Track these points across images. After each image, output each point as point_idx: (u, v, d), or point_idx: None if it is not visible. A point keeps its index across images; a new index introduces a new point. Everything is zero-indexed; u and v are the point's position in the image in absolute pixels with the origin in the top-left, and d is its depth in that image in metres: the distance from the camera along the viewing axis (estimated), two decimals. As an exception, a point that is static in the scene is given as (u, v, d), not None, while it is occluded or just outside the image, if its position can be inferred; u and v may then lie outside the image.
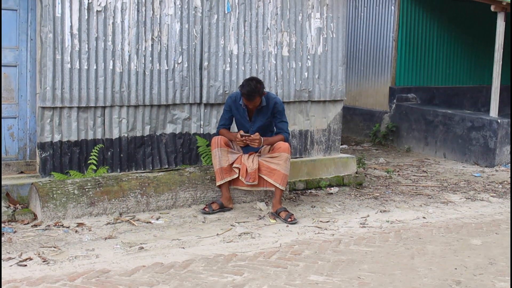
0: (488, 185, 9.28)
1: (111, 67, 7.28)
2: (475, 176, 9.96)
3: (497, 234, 6.72)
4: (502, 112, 12.78)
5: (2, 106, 7.03)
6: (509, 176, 9.98)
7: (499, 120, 10.72)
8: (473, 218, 7.38)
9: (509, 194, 8.70)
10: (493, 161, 10.69)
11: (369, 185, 8.91)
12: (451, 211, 7.69)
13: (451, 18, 13.30)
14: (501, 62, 10.76)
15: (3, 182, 6.82)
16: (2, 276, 4.94)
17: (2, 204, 6.68)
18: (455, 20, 13.32)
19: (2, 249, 5.57)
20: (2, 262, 5.28)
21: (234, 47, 8.02)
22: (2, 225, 6.25)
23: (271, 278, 5.16)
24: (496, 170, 10.43)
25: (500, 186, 9.24)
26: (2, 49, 6.93)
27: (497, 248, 6.23)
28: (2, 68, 6.98)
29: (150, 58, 7.50)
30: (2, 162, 7.09)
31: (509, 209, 7.88)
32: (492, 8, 10.62)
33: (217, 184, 7.22)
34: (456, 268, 5.58)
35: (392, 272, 5.41)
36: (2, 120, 7.06)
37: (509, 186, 9.22)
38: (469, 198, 8.39)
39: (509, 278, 5.36)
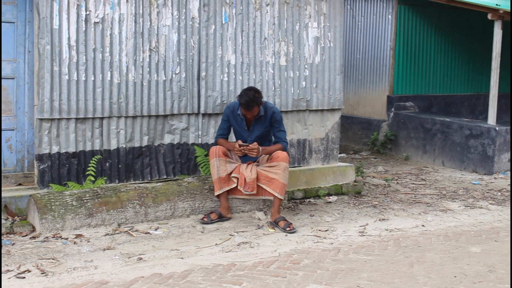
0: (487, 192, 9.28)
1: (109, 78, 7.28)
2: (473, 183, 9.96)
3: (496, 242, 6.72)
4: (500, 119, 12.77)
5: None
6: (508, 183, 9.97)
7: (497, 128, 10.72)
8: (472, 226, 7.37)
9: (508, 202, 8.70)
10: (492, 169, 10.69)
11: (367, 194, 8.90)
12: (450, 219, 7.68)
13: (449, 26, 13.33)
14: (498, 70, 10.78)
15: (1, 195, 6.81)
16: (0, 288, 4.94)
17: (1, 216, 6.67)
18: (453, 28, 13.35)
19: (1, 262, 5.56)
20: (1, 274, 5.27)
21: (232, 57, 8.03)
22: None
23: (270, 287, 5.16)
24: (495, 178, 10.42)
25: (499, 193, 9.23)
26: (1, 61, 6.94)
27: (496, 255, 6.22)
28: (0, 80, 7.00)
29: (148, 69, 7.51)
30: (0, 174, 7.08)
31: (508, 217, 7.87)
32: (489, 16, 10.64)
33: (216, 194, 7.21)
34: (455, 276, 5.57)
35: (392, 281, 5.40)
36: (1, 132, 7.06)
37: (508, 193, 9.22)
38: (468, 206, 8.38)
39: (509, 286, 5.36)
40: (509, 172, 10.80)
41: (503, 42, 10.92)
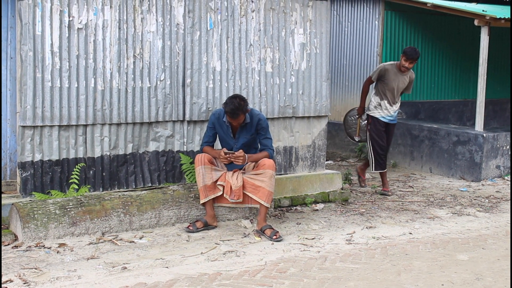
0: (475, 199, 9.26)
1: (92, 85, 7.21)
2: (461, 190, 9.94)
3: (484, 249, 6.70)
4: (488, 126, 12.80)
5: (-18, 125, 6.96)
6: (495, 190, 9.97)
7: (484, 134, 10.72)
8: (459, 233, 7.35)
9: (496, 209, 8.69)
10: (479, 176, 10.68)
11: (355, 201, 8.86)
12: (438, 227, 7.65)
13: (435, 32, 13.35)
14: (485, 76, 10.78)
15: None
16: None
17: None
18: (440, 34, 13.37)
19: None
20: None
21: (217, 64, 7.98)
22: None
23: (256, 297, 5.11)
24: (483, 185, 10.41)
25: (487, 200, 9.21)
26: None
27: (484, 263, 6.20)
28: (-18, 87, 6.92)
29: (132, 76, 7.45)
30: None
31: (495, 224, 7.86)
32: (476, 22, 10.65)
33: (201, 202, 7.16)
34: (443, 284, 5.55)
35: (379, 290, 5.36)
36: (-18, 139, 6.98)
37: (496, 200, 9.21)
38: (455, 213, 8.36)
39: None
40: (510, 176, 10.90)
41: (489, 48, 10.92)
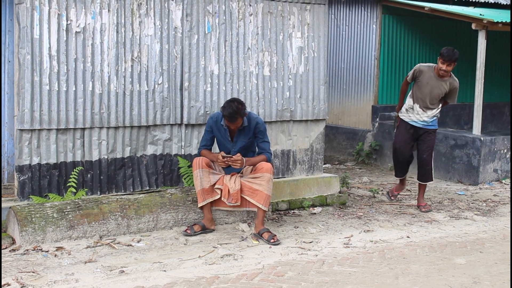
0: (472, 203, 9.27)
1: (90, 88, 7.21)
2: (459, 194, 9.95)
3: (481, 253, 6.70)
4: (485, 129, 12.81)
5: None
6: (493, 194, 9.99)
7: (482, 138, 10.73)
8: (457, 237, 7.36)
9: (494, 213, 8.70)
10: (477, 179, 10.69)
11: (352, 205, 8.87)
12: (435, 230, 7.66)
13: (433, 36, 13.36)
14: (483, 80, 10.81)
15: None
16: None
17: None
18: (437, 38, 13.38)
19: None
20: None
21: (215, 67, 7.98)
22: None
23: (253, 301, 5.11)
24: (480, 188, 10.43)
25: (484, 204, 9.22)
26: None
27: (481, 267, 6.20)
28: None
29: (130, 79, 7.45)
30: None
31: (493, 227, 7.88)
32: (473, 26, 10.68)
33: (199, 205, 7.15)
34: (440, 288, 5.55)
35: (376, 293, 5.37)
36: (-20, 143, 6.98)
37: (493, 204, 9.22)
38: (453, 217, 8.36)
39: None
40: (510, 179, 10.99)
41: (487, 52, 10.94)
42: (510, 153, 11.10)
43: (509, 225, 7.97)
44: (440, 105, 8.65)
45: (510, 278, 5.74)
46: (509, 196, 9.75)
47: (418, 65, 8.78)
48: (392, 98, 12.96)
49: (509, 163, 11.10)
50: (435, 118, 8.66)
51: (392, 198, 9.14)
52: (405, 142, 8.71)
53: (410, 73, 8.73)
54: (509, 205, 9.18)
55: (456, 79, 8.67)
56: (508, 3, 14.09)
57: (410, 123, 8.66)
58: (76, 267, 5.87)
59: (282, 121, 8.58)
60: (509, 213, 8.65)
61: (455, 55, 8.34)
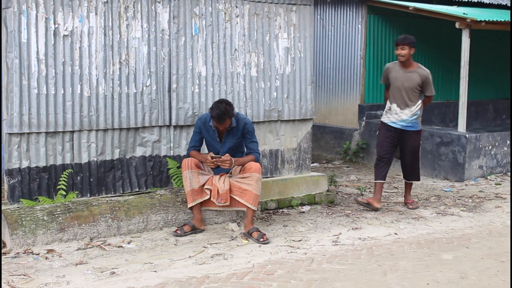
0: (458, 199, 9.36)
1: (79, 91, 7.23)
2: (445, 191, 10.04)
3: (468, 249, 6.78)
4: (470, 127, 12.91)
5: (-31, 133, 6.97)
6: (479, 190, 10.09)
7: (467, 135, 10.83)
8: (444, 233, 7.43)
9: (480, 209, 8.78)
10: (463, 176, 10.80)
11: (340, 203, 8.93)
12: (422, 227, 7.73)
13: (418, 35, 13.37)
14: (467, 77, 10.92)
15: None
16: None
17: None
18: (422, 37, 13.44)
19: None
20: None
21: (203, 69, 8.02)
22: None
23: (244, 299, 5.15)
24: (466, 185, 10.52)
25: (470, 200, 9.31)
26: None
27: (468, 262, 6.28)
28: (-32, 95, 6.93)
29: (118, 82, 7.48)
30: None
31: (479, 223, 7.96)
32: (457, 25, 10.80)
33: (189, 206, 7.20)
34: (428, 284, 5.61)
35: (365, 290, 5.42)
36: (-31, 147, 6.99)
37: (479, 200, 9.32)
38: (439, 213, 8.45)
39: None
40: (510, 173, 11.24)
41: (471, 50, 11.05)
42: (510, 149, 11.32)
43: (494, 221, 8.06)
44: (420, 101, 8.57)
45: (510, 278, 5.79)
46: (494, 192, 9.86)
47: (386, 64, 8.89)
48: (378, 97, 13.05)
49: (495, 160, 11.21)
50: (415, 117, 8.52)
51: (363, 201, 8.67)
52: (386, 143, 8.64)
53: (382, 75, 8.83)
54: (494, 201, 9.29)
55: (426, 69, 8.65)
56: (491, 2, 14.22)
57: (389, 123, 8.62)
58: (67, 269, 5.89)
59: (270, 121, 8.63)
60: (494, 209, 8.75)
61: (407, 38, 8.47)
